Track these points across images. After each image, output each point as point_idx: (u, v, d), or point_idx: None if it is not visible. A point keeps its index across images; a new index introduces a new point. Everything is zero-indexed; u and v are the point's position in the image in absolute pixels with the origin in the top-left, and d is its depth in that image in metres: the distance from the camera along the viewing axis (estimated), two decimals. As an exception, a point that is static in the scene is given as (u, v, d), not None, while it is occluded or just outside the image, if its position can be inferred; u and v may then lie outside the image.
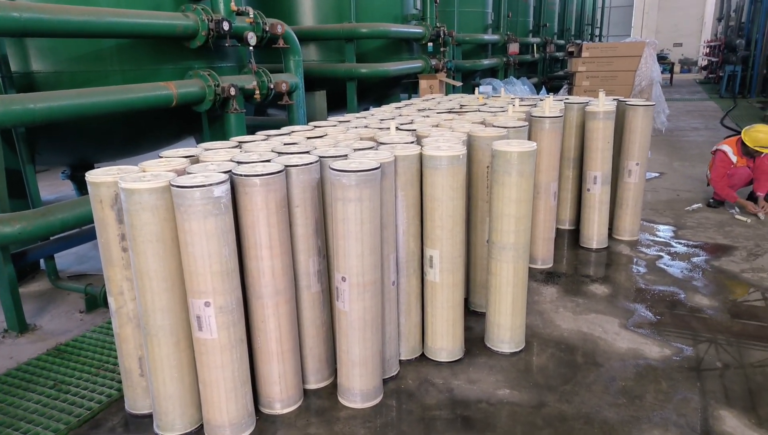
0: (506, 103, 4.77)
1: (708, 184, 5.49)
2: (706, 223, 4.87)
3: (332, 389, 2.57)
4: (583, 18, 19.78)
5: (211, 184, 1.97)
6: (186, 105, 4.03)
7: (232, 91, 4.15)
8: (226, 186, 2.03)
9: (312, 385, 2.56)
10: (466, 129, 3.21)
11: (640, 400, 2.46)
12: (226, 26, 4.10)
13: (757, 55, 14.75)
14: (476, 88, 8.18)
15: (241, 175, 2.12)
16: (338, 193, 2.20)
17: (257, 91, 4.53)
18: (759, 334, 3.00)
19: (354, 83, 6.61)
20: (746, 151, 5.07)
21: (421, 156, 2.60)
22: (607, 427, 2.28)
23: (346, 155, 2.49)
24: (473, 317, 3.23)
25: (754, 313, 3.23)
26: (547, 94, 11.45)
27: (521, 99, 5.16)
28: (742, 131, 5.10)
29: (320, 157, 2.46)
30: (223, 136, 4.33)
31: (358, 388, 2.37)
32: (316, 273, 2.41)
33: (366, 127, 3.51)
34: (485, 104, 4.73)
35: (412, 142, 2.81)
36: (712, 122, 10.90)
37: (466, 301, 3.28)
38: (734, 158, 5.13)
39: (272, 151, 2.66)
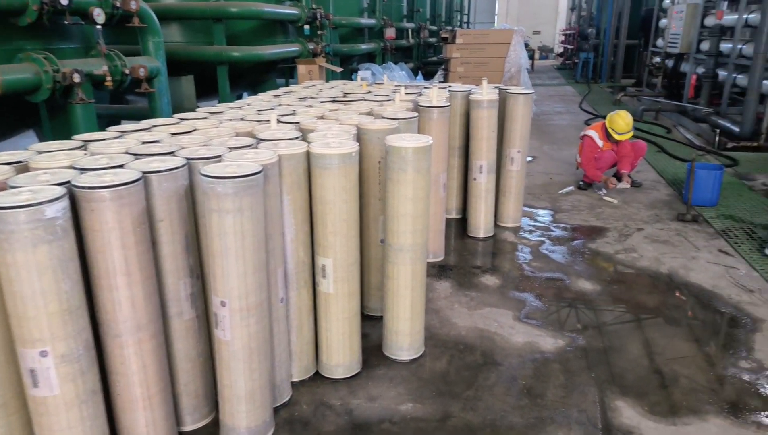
0: (391, 91, 4.61)
1: (578, 168, 5.79)
2: (580, 206, 5.13)
3: (213, 428, 2.24)
4: (452, 5, 20.37)
5: (41, 203, 1.54)
6: (16, 94, 3.34)
7: (76, 78, 3.53)
8: (64, 203, 1.60)
9: (189, 426, 2.20)
10: (355, 121, 2.98)
11: (542, 398, 2.43)
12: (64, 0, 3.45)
13: (606, 43, 16.17)
14: (356, 74, 7.98)
15: (84, 188, 1.70)
16: (212, 203, 1.86)
17: (108, 78, 3.91)
18: (638, 314, 3.15)
19: (225, 68, 6.07)
20: (609, 136, 5.41)
21: (308, 154, 2.32)
22: (514, 434, 2.21)
23: (220, 156, 2.13)
24: (369, 323, 3.03)
25: (631, 295, 3.39)
26: (424, 79, 11.58)
27: (405, 86, 5.03)
28: (606, 118, 5.43)
29: (188, 159, 2.08)
30: (69, 131, 3.69)
31: (245, 426, 2.07)
32: (189, 297, 2.05)
33: (242, 119, 3.13)
34: (370, 92, 4.52)
35: (297, 138, 2.52)
36: (572, 106, 11.72)
37: (360, 305, 3.08)
38: (600, 143, 5.44)
39: (127, 152, 2.21)
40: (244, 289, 1.91)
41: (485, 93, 4.14)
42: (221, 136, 2.61)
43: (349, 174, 2.32)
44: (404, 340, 2.66)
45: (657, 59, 12.12)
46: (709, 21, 9.23)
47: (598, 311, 3.20)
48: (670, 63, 10.98)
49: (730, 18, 8.30)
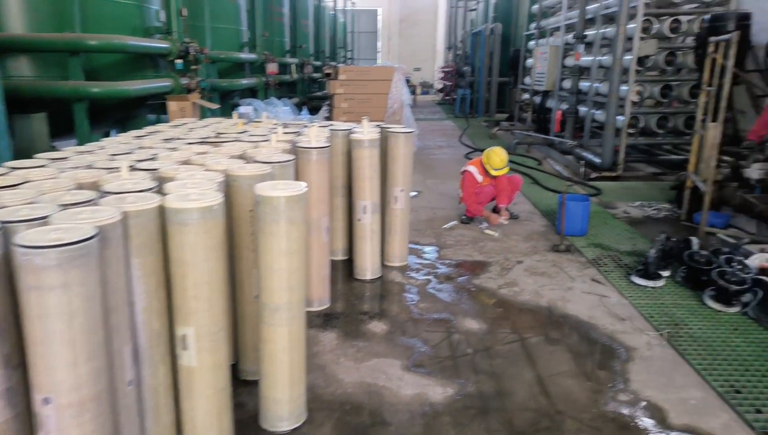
0: (269, 130, 4.39)
1: (460, 202, 5.91)
2: (463, 240, 5.20)
3: None
4: (335, 41, 20.71)
5: None
6: None
7: None
8: None
9: None
10: (223, 166, 2.72)
11: (434, 458, 2.29)
12: None
13: (480, 81, 17.20)
14: (236, 110, 7.66)
15: None
16: (30, 279, 1.52)
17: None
18: (524, 352, 3.15)
19: (84, 105, 5.49)
20: (487, 171, 5.59)
21: (163, 209, 2.04)
22: (406, 505, 2.04)
23: (45, 217, 1.79)
24: (245, 389, 2.74)
25: (516, 333, 3.41)
26: (309, 114, 11.47)
27: (284, 125, 4.85)
28: (483, 154, 5.61)
29: (4, 222, 1.72)
30: None
31: None
32: (4, 393, 1.66)
33: (90, 166, 2.75)
34: (245, 131, 4.27)
35: (150, 189, 2.21)
36: (452, 140, 12.20)
37: (234, 368, 2.78)
38: (479, 178, 5.60)
39: None
40: (75, 381, 1.57)
41: (366, 132, 4.07)
42: (57, 189, 2.23)
43: (211, 230, 2.06)
44: (283, 408, 2.41)
45: (526, 96, 13.04)
46: (569, 62, 10.09)
47: (484, 352, 3.16)
48: (537, 99, 11.84)
49: (586, 59, 9.13)
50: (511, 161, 9.03)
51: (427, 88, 30.43)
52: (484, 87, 16.97)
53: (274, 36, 12.54)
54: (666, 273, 4.10)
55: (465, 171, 5.67)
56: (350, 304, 3.83)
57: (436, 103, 23.30)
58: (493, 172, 5.49)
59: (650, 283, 3.98)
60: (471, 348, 3.21)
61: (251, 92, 11.07)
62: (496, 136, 12.18)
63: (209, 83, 8.20)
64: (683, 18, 7.58)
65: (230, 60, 9.78)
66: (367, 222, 4.16)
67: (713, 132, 5.41)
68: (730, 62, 4.60)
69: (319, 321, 3.53)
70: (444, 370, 2.96)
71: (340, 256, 4.62)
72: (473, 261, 4.66)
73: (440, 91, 26.03)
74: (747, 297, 3.50)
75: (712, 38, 5.20)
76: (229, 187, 2.60)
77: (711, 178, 4.89)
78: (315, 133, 3.70)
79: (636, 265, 4.35)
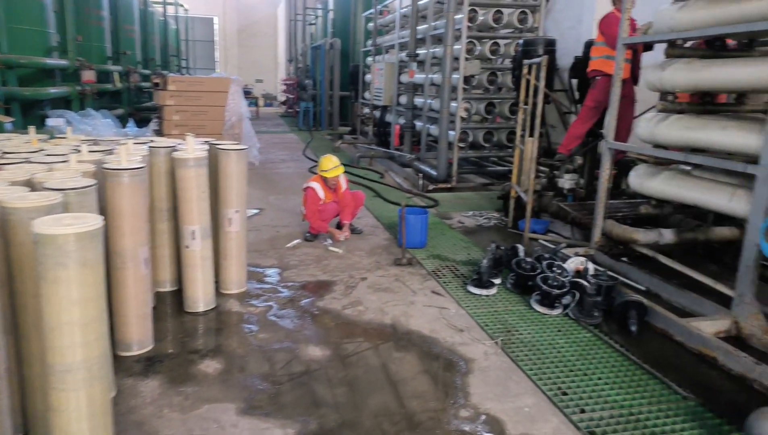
0: (73, 147, 3.79)
1: (303, 219, 5.72)
2: (307, 259, 5.01)
3: None
4: (167, 48, 19.33)
5: None
6: None
7: None
8: None
9: None
10: (-4, 196, 2.21)
11: None
12: None
13: (322, 94, 17.26)
14: (46, 124, 6.65)
15: None
16: None
17: None
18: (368, 378, 3.04)
19: None
20: (327, 181, 5.49)
21: None
22: None
23: None
24: (39, 467, 2.24)
25: (361, 356, 3.30)
26: (137, 126, 10.47)
27: (94, 141, 4.24)
28: (318, 165, 5.53)
29: None
30: None
31: None
32: None
33: None
34: (41, 150, 3.64)
35: None
36: (296, 153, 12.00)
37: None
38: (322, 194, 5.47)
39: None
40: None
41: (191, 150, 3.69)
42: None
43: (-35, 282, 1.61)
44: (85, 489, 1.99)
45: (367, 110, 13.34)
46: (404, 78, 10.48)
47: (327, 382, 2.99)
48: (377, 114, 12.15)
49: (419, 77, 9.55)
50: (354, 174, 9.22)
51: (270, 100, 29.89)
52: (326, 100, 17.05)
53: (92, 41, 11.25)
54: (497, 280, 4.32)
55: (307, 187, 5.51)
56: (179, 342, 3.42)
57: (280, 116, 22.92)
58: (326, 174, 5.43)
59: (484, 292, 4.15)
60: (314, 379, 3.02)
61: (65, 102, 9.76)
62: (340, 150, 12.23)
63: (4, 92, 7.03)
64: (501, 41, 8.27)
65: (33, 65, 8.50)
66: (197, 248, 3.77)
67: (531, 146, 5.90)
68: (542, 83, 5.05)
69: (138, 367, 3.08)
70: (284, 409, 2.73)
71: (169, 287, 4.15)
72: (317, 281, 4.49)
73: (283, 103, 25.70)
74: (567, 299, 3.80)
75: (526, 61, 5.68)
76: (4, 222, 2.11)
77: (531, 188, 5.31)
78: (127, 151, 3.25)
79: (471, 274, 4.53)
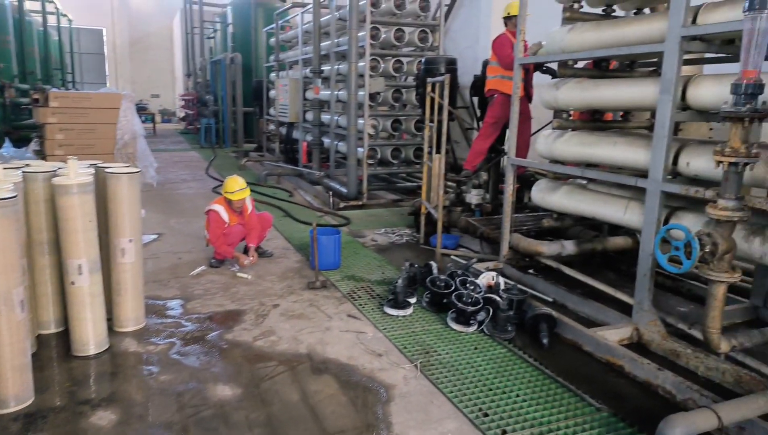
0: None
1: (208, 244, 5.39)
2: (213, 288, 4.70)
3: None
4: (49, 61, 17.78)
5: None
6: None
7: None
8: None
9: None
10: None
11: None
12: None
13: (225, 110, 16.67)
14: None
15: None
16: None
17: None
18: (284, 416, 2.85)
19: None
20: (233, 207, 5.21)
21: None
22: None
23: None
24: None
25: (274, 393, 3.09)
26: (14, 146, 9.47)
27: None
28: (223, 187, 5.24)
29: None
30: None
31: None
32: None
33: None
34: None
35: None
36: (198, 172, 11.43)
37: None
38: (226, 217, 5.19)
39: None
40: None
41: (74, 175, 3.32)
42: None
43: None
44: None
45: (272, 127, 13.03)
46: (310, 95, 10.36)
47: (242, 424, 2.76)
48: (283, 130, 11.90)
49: (325, 93, 9.46)
50: (262, 193, 8.91)
51: (168, 116, 28.47)
52: (229, 116, 16.49)
53: (-44, 51, 10.08)
54: (413, 299, 4.28)
55: (210, 210, 5.20)
56: (66, 392, 3.03)
57: (179, 133, 21.85)
58: (231, 196, 5.16)
59: (400, 312, 4.09)
60: (225, 422, 2.78)
61: None
62: (246, 168, 11.82)
63: None
64: (404, 59, 8.39)
65: None
66: (85, 284, 3.39)
67: (438, 162, 5.99)
68: (446, 101, 5.14)
69: (16, 427, 2.67)
70: (192, 461, 2.47)
71: (53, 328, 3.70)
72: (225, 311, 4.21)
73: (183, 119, 24.55)
74: (481, 315, 3.83)
75: (429, 79, 5.77)
76: None
77: (440, 204, 5.37)
78: (-3, 180, 2.85)
79: (387, 294, 4.46)
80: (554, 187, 4.64)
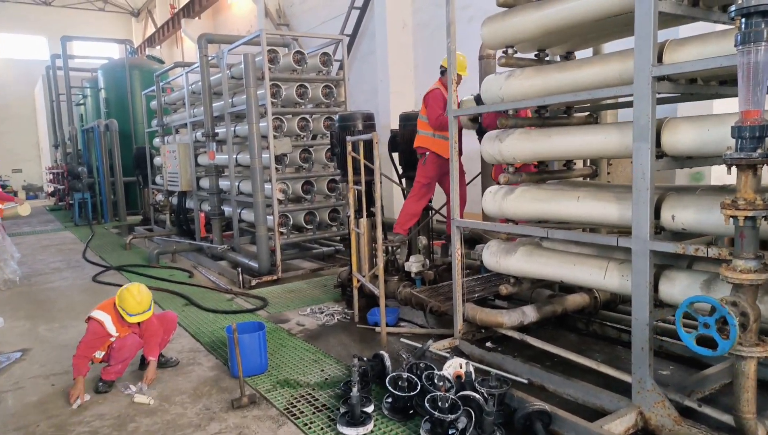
0: None
1: (92, 362, 4.20)
2: (103, 426, 3.56)
3: None
4: None
5: None
6: None
7: None
8: None
9: None
10: None
11: None
12: None
13: (102, 182, 14.95)
14: None
15: None
16: None
17: None
18: None
19: None
20: (123, 318, 4.11)
21: None
22: None
23: None
24: None
25: None
26: None
27: None
28: (117, 295, 4.12)
29: None
30: None
31: None
32: None
33: None
34: None
35: None
36: (74, 257, 9.82)
37: None
38: (113, 329, 4.07)
39: None
40: None
41: None
42: None
43: None
44: None
45: (160, 197, 11.71)
46: (204, 160, 9.35)
47: None
48: (174, 200, 10.67)
49: (222, 157, 8.52)
50: (155, 277, 7.65)
51: (35, 192, 25.47)
52: (107, 188, 14.79)
53: None
54: (370, 408, 3.47)
55: (91, 318, 4.06)
56: None
57: (49, 210, 19.37)
58: (130, 319, 4.06)
59: (360, 431, 3.26)
60: None
61: None
62: (133, 246, 10.37)
63: None
64: (310, 117, 7.77)
65: None
66: None
67: (367, 228, 5.32)
68: (377, 161, 4.53)
69: None
70: None
71: None
72: (123, 463, 3.12)
73: (51, 195, 21.94)
74: (462, 422, 3.11)
75: (350, 138, 5.16)
76: None
77: (381, 277, 4.65)
78: None
79: (335, 402, 3.62)
80: (509, 248, 4.13)
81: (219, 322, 5.58)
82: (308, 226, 7.70)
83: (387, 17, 10.65)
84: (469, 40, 5.93)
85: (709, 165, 3.36)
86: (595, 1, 3.22)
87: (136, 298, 4.03)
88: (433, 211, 6.01)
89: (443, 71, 5.48)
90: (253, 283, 6.94)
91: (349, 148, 5.14)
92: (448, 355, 3.97)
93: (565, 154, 3.76)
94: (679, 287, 3.03)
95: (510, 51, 3.96)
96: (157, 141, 11.79)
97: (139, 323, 4.16)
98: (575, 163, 4.46)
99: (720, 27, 3.22)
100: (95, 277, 7.98)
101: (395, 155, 6.18)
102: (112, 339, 4.10)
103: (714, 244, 2.98)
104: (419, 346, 4.19)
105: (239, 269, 7.10)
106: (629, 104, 4.19)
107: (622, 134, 3.26)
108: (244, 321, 5.58)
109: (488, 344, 4.48)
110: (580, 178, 4.42)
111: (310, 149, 7.69)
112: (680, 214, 2.99)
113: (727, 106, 3.04)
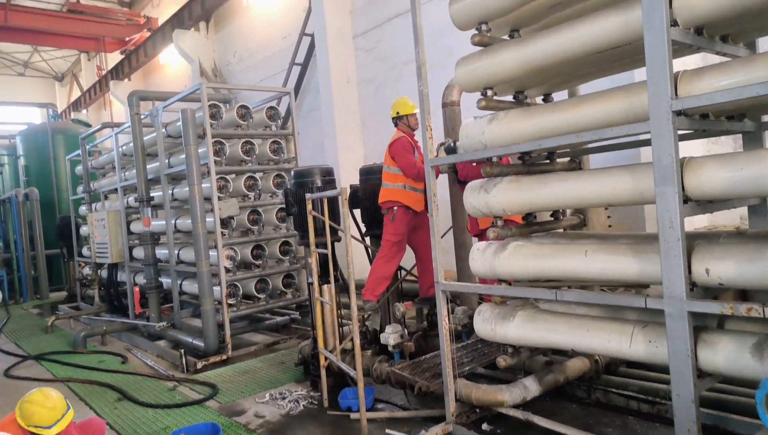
0: None
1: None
2: None
3: None
4: None
5: None
6: None
7: None
8: None
9: None
10: None
11: None
12: None
13: (20, 256, 13.50)
14: None
15: None
16: None
17: None
18: None
19: None
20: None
21: None
22: None
23: None
24: None
25: None
26: None
27: None
28: (19, 414, 3.22)
29: None
30: None
31: None
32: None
33: None
34: None
35: None
36: (-16, 347, 8.45)
37: None
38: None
39: None
40: None
41: None
42: None
43: None
44: None
45: (88, 270, 10.54)
46: (137, 228, 8.45)
47: None
48: (104, 273, 9.58)
49: (158, 223, 7.69)
50: (81, 366, 6.57)
51: (-59, 270, 22.91)
52: (27, 263, 13.33)
53: None
54: None
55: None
56: None
57: (-43, 291, 17.30)
58: (50, 432, 3.18)
59: None
60: None
61: None
62: (55, 329, 9.11)
63: None
64: (258, 175, 7.16)
65: None
66: None
67: (329, 295, 4.69)
68: (349, 220, 3.96)
69: None
70: None
71: None
72: None
73: (-38, 273, 19.72)
74: None
75: (310, 196, 4.58)
76: None
77: (358, 354, 3.97)
78: None
79: None
80: (505, 313, 3.60)
81: (160, 420, 4.68)
82: (260, 295, 6.93)
83: (331, 72, 10.34)
84: (415, 93, 5.60)
85: (734, 207, 3.01)
86: (592, 34, 2.89)
87: (47, 404, 3.16)
88: (404, 273, 5.45)
89: (398, 119, 5.06)
90: (199, 365, 6.04)
91: (310, 206, 4.56)
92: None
93: (564, 203, 3.34)
94: (723, 353, 2.58)
95: (489, 93, 3.57)
96: (83, 209, 10.74)
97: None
98: (563, 214, 4.07)
99: (718, 59, 2.97)
100: (7, 370, 6.79)
101: (358, 212, 5.64)
102: (20, 465, 3.18)
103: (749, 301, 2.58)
104: (408, 437, 3.52)
105: (182, 350, 6.20)
106: (618, 146, 3.93)
107: (634, 178, 2.87)
108: (191, 414, 4.78)
109: (485, 426, 3.88)
110: (562, 230, 4.03)
111: (260, 210, 7.03)
112: (716, 267, 2.57)
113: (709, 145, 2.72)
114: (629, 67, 3.46)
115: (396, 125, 5.07)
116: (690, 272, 2.63)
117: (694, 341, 2.60)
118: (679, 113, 2.58)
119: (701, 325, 2.76)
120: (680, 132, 2.63)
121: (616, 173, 2.99)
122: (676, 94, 2.61)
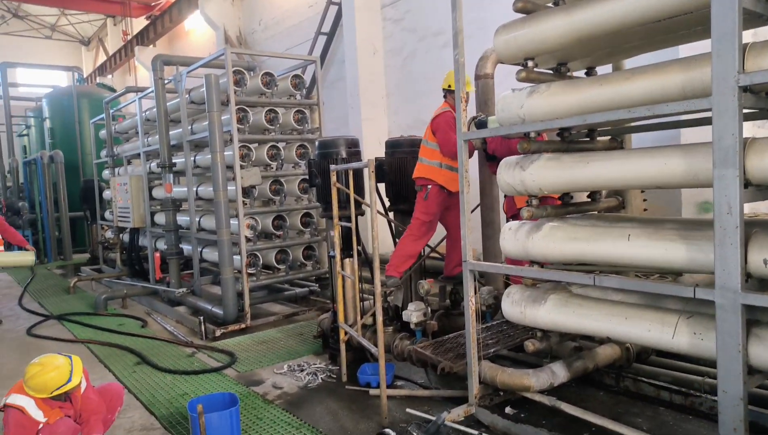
0: None
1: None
2: None
3: None
4: None
5: None
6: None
7: None
8: None
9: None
10: None
11: None
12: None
13: (45, 217, 13.67)
14: None
15: None
16: None
17: None
18: None
19: None
20: (57, 397, 3.20)
21: None
22: None
23: None
24: None
25: None
26: None
27: None
28: (27, 389, 3.19)
29: None
30: None
31: None
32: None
33: None
34: None
35: None
36: (9, 304, 8.60)
37: None
38: (38, 414, 3.14)
39: None
40: None
41: None
42: None
43: None
44: None
45: (110, 233, 10.62)
46: (159, 193, 8.43)
47: None
48: (126, 237, 9.62)
49: (180, 190, 7.65)
50: (101, 328, 6.62)
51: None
52: (52, 225, 13.51)
53: None
54: None
55: (7, 408, 3.13)
56: None
57: (-16, 249, 17.67)
58: (58, 392, 3.16)
59: None
60: None
61: None
62: (77, 290, 9.23)
63: None
64: (281, 144, 7.03)
65: None
66: None
67: (352, 269, 4.59)
68: (374, 195, 3.82)
69: None
70: None
71: None
72: None
73: (-11, 232, 20.14)
74: None
75: (335, 167, 4.44)
76: None
77: (381, 334, 3.86)
78: None
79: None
80: (536, 297, 3.45)
81: (178, 386, 4.67)
82: (280, 266, 6.87)
83: (357, 43, 10.08)
84: (444, 66, 5.36)
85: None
86: (650, 0, 2.65)
87: (49, 370, 3.16)
88: (428, 250, 5.31)
89: (447, 92, 4.84)
90: (218, 333, 6.03)
91: (334, 178, 4.42)
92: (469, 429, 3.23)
93: (606, 183, 3.15)
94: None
95: (530, 63, 3.36)
96: (106, 173, 10.76)
97: (70, 399, 3.25)
98: (600, 195, 3.87)
99: None
100: (30, 329, 6.87)
101: (381, 186, 5.48)
102: (40, 426, 3.17)
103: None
104: (426, 416, 3.43)
105: (201, 317, 6.19)
106: (662, 126, 3.70)
107: (687, 159, 2.67)
108: (209, 381, 4.76)
109: (508, 410, 3.76)
110: (596, 212, 3.83)
111: (282, 180, 6.92)
112: (776, 257, 2.38)
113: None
114: (685, 39, 3.21)
115: (445, 97, 4.84)
116: (746, 262, 2.45)
117: (745, 336, 2.43)
118: (745, 89, 2.36)
119: (753, 319, 2.58)
120: (744, 111, 2.42)
121: (667, 153, 2.78)
122: (744, 68, 2.38)
